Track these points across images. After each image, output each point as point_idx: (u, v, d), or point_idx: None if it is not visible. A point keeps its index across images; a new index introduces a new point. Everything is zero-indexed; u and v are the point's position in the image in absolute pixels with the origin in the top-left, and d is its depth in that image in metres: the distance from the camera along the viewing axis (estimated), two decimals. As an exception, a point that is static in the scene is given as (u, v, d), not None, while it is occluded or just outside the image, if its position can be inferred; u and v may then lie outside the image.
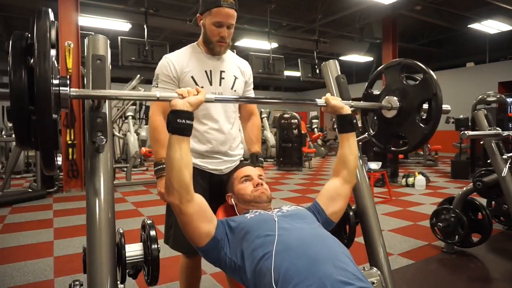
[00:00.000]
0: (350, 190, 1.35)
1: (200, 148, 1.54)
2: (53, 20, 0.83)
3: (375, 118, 1.52)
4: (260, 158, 1.68)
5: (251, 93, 1.73)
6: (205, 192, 1.49)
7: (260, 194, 1.32)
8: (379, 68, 1.53)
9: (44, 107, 0.74)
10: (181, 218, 1.08)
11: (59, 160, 0.91)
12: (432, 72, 1.30)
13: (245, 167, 1.44)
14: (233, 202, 1.37)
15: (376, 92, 1.51)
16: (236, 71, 1.60)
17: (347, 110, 1.32)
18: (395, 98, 1.40)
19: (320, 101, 1.31)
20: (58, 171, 5.65)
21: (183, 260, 1.67)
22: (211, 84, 1.51)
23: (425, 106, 1.34)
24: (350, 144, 1.34)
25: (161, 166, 1.47)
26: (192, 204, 1.07)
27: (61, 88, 0.86)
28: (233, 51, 1.75)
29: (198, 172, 1.51)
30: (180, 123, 1.02)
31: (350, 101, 1.40)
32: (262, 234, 1.08)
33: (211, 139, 1.54)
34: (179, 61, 1.50)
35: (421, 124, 1.33)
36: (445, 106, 1.34)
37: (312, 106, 1.35)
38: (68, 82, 0.87)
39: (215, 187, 1.57)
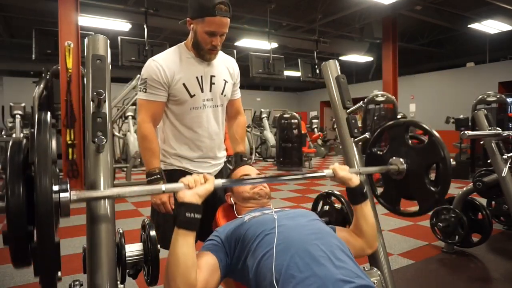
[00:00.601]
0: (369, 252, 1.29)
1: (190, 155, 1.54)
2: (55, 131, 0.78)
3: (381, 178, 1.47)
4: (244, 158, 1.67)
5: (238, 93, 1.70)
6: None
7: (259, 191, 1.32)
8: (382, 127, 1.48)
9: (45, 232, 0.69)
10: None
11: (59, 274, 0.85)
12: (437, 135, 1.27)
13: (243, 166, 1.44)
14: (232, 201, 1.37)
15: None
16: (226, 75, 1.58)
17: (356, 181, 1.24)
18: (401, 160, 1.36)
19: (328, 172, 1.25)
20: (58, 171, 5.65)
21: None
22: (202, 91, 1.48)
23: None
24: (365, 215, 1.25)
25: (155, 177, 1.41)
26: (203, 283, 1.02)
27: (61, 195, 0.80)
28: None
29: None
30: (188, 217, 0.97)
31: (358, 169, 1.35)
32: (262, 233, 1.08)
33: (202, 147, 1.55)
34: (169, 66, 1.43)
35: (431, 188, 1.29)
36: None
37: (319, 178, 1.30)
38: (68, 186, 0.82)
39: None
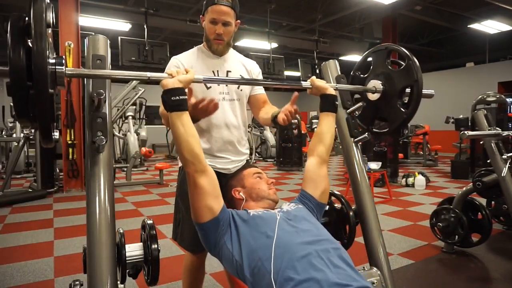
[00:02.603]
0: (326, 169, 1.39)
1: (208, 147, 1.54)
2: (49, 2, 0.87)
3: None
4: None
5: (261, 89, 1.70)
6: None
7: (274, 194, 1.34)
8: (366, 52, 1.58)
9: (41, 82, 0.79)
10: (193, 191, 1.11)
11: (56, 134, 0.96)
12: (415, 59, 1.34)
13: (254, 167, 1.44)
14: (243, 197, 1.34)
15: (362, 75, 1.57)
16: (242, 71, 1.61)
17: (331, 91, 1.36)
18: (379, 82, 1.44)
19: (306, 83, 1.35)
20: (58, 171, 5.66)
21: (188, 258, 1.66)
22: (218, 85, 1.52)
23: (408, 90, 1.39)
24: (329, 122, 1.38)
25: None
26: (206, 176, 1.11)
27: (57, 66, 0.91)
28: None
29: None
30: (174, 100, 1.05)
31: (335, 84, 1.45)
32: (263, 234, 1.08)
33: (218, 138, 1.54)
34: (187, 61, 1.53)
35: (401, 109, 1.39)
36: (428, 91, 1.39)
37: (297, 88, 1.37)
38: (63, 61, 0.93)
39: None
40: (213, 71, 1.53)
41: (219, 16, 1.45)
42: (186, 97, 1.08)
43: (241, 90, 1.59)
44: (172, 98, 1.05)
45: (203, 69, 1.52)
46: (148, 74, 1.07)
